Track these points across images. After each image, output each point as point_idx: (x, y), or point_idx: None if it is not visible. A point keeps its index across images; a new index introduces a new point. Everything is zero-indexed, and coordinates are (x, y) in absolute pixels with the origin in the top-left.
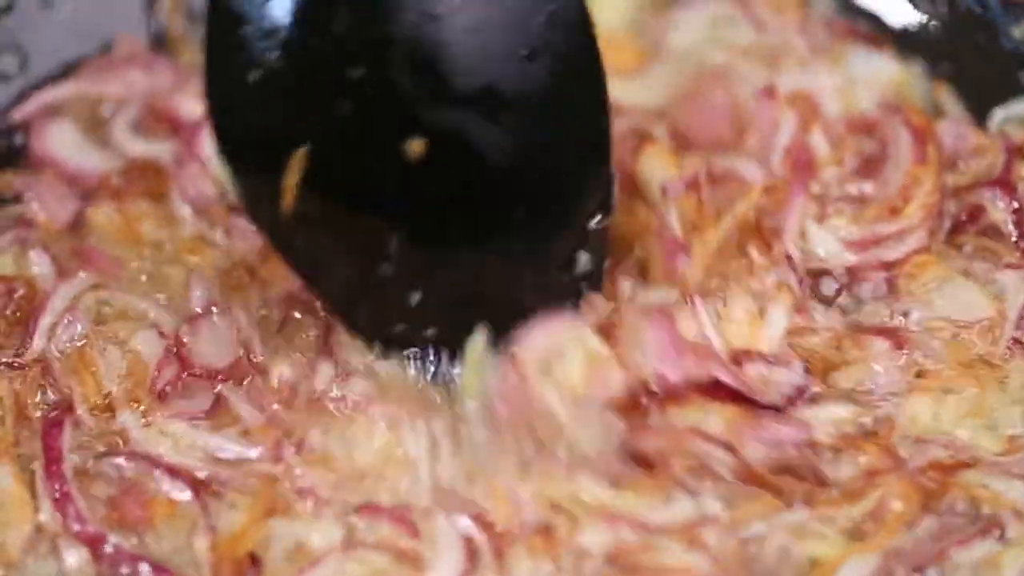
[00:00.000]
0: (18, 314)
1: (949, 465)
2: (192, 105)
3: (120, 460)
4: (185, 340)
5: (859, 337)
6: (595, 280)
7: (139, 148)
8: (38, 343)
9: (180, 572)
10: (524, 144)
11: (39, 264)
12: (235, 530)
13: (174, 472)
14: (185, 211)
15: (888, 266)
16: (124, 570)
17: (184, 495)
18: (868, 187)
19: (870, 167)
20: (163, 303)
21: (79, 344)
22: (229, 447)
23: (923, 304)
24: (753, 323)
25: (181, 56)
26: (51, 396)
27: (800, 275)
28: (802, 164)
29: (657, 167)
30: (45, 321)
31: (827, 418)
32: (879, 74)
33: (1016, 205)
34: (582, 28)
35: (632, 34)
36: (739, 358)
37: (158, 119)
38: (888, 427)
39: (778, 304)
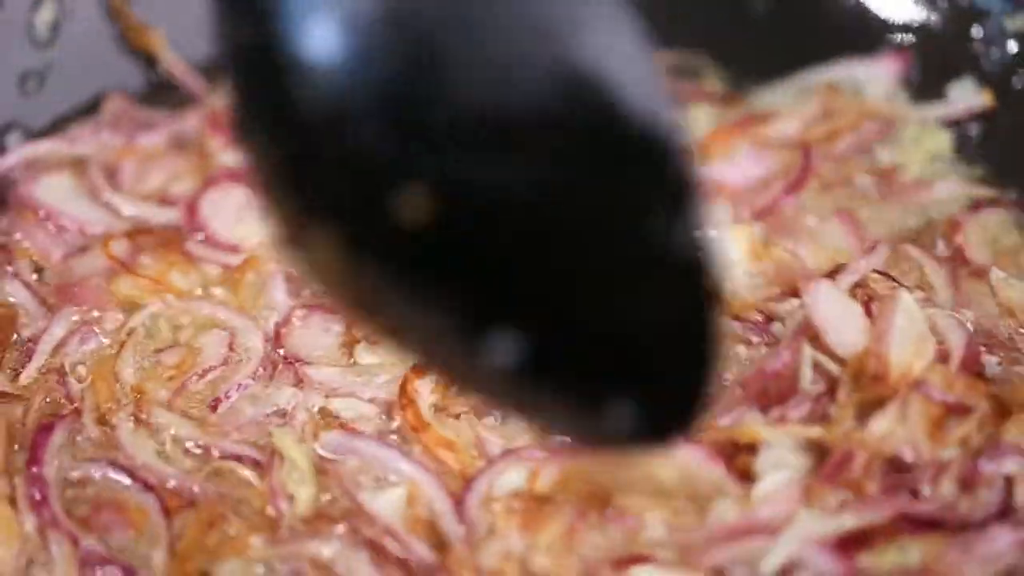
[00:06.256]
0: None
1: None
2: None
3: (104, 469)
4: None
5: None
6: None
7: (138, 211)
8: (32, 369)
9: None
10: None
11: (15, 295)
12: (183, 547)
13: (148, 487)
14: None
15: None
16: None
17: (155, 512)
18: None
19: None
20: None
21: (101, 354)
22: (225, 446)
23: None
24: None
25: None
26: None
27: None
28: None
29: None
30: (44, 346)
31: None
32: None
33: None
34: None
35: None
36: None
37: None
38: None
39: None
